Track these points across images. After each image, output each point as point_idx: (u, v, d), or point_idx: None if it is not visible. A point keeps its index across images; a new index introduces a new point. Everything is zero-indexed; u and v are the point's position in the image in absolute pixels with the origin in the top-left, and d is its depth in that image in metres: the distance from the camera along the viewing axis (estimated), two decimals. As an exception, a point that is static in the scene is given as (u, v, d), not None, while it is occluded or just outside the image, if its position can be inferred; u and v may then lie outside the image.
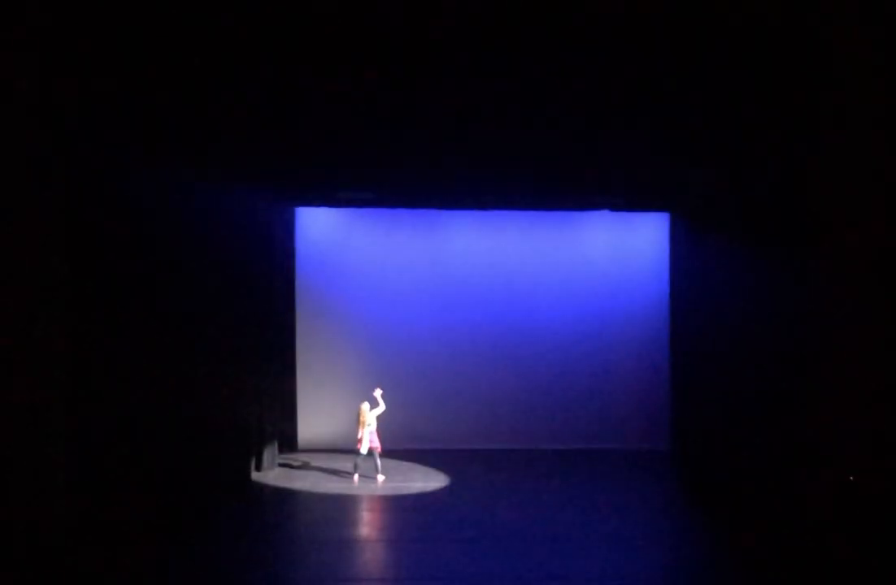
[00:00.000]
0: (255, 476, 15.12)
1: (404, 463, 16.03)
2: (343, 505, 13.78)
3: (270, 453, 15.86)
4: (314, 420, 17.11)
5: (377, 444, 14.89)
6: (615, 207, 15.87)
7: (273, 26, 8.81)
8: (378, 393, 14.97)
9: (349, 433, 15.18)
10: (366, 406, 14.82)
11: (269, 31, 8.89)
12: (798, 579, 9.51)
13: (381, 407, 14.92)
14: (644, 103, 10.22)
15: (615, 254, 17.31)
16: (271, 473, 15.53)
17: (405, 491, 14.26)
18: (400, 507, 13.50)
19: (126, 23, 8.32)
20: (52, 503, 8.90)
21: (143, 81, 9.15)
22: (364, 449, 14.70)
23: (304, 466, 15.98)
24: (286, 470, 15.79)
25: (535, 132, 11.36)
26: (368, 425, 14.71)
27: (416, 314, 17.27)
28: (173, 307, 12.10)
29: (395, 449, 16.31)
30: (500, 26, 8.79)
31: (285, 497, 14.13)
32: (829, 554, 9.06)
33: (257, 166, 12.78)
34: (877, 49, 8.16)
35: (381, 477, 14.87)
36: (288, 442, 16.99)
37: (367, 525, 13.10)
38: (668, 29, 8.50)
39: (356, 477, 14.86)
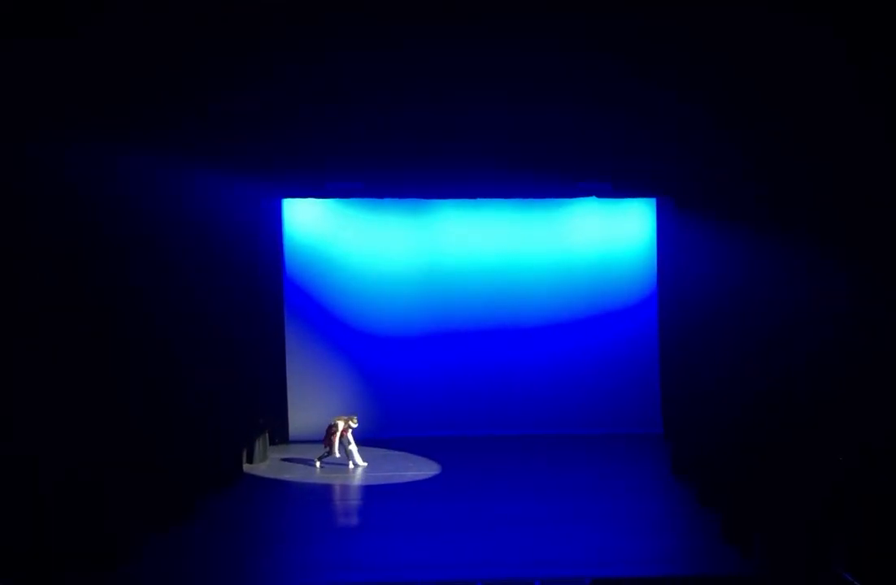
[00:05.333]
0: (246, 468, 15.09)
1: (395, 452, 16.05)
2: (335, 495, 13.83)
3: (262, 445, 15.84)
4: (305, 411, 17.04)
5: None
6: (602, 194, 15.89)
7: (258, 15, 8.78)
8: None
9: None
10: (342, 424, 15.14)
11: (254, 20, 8.86)
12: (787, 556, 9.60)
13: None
14: (632, 87, 10.22)
15: (603, 241, 17.30)
16: (263, 465, 15.51)
17: (397, 480, 14.28)
18: (392, 496, 13.50)
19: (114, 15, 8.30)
20: (39, 494, 8.92)
21: (128, 70, 9.12)
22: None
23: (296, 457, 15.97)
24: (278, 461, 15.77)
25: (523, 118, 11.37)
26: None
27: (405, 303, 17.22)
28: (160, 299, 12.07)
29: (386, 437, 16.38)
30: (481, 9, 8.77)
31: (277, 488, 14.12)
32: (817, 532, 9.14)
33: (242, 157, 12.73)
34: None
35: (318, 466, 15.14)
36: (279, 434, 17.00)
37: (360, 514, 13.09)
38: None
39: (357, 460, 15.01)
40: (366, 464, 15.09)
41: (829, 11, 7.90)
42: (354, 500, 13.80)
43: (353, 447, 15.14)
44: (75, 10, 8.04)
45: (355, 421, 15.25)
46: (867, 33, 7.94)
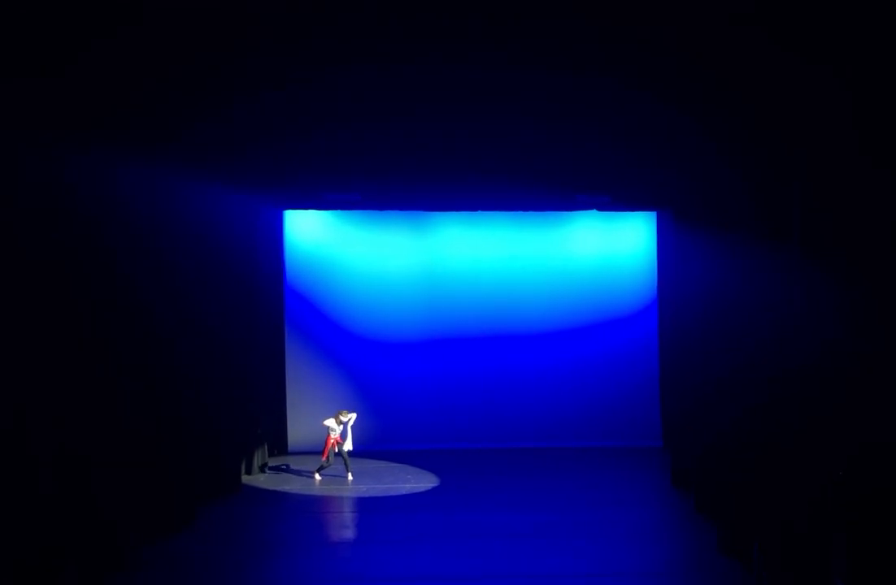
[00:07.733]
0: (245, 479, 15.08)
1: (394, 464, 16.03)
2: (334, 507, 13.79)
3: (260, 456, 15.83)
4: (304, 422, 17.03)
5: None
6: (602, 207, 15.94)
7: (261, 28, 8.83)
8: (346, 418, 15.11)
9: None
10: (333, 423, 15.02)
11: (256, 33, 8.91)
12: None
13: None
14: (629, 101, 10.27)
15: (603, 254, 17.36)
16: (261, 476, 15.51)
17: (395, 492, 14.25)
18: (390, 508, 13.46)
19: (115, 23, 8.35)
20: (39, 506, 8.90)
21: (130, 83, 9.17)
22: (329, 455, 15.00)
23: (295, 469, 15.95)
24: (276, 472, 15.77)
25: (522, 132, 11.41)
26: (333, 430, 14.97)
27: (405, 315, 17.27)
28: (161, 311, 12.08)
29: (385, 449, 16.35)
30: (484, 23, 8.83)
31: (275, 499, 14.09)
32: (816, 544, 9.12)
33: (243, 169, 12.78)
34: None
35: (317, 478, 15.11)
36: (278, 445, 16.99)
37: (358, 526, 13.05)
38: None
39: (330, 458, 15.00)
40: (330, 465, 15.04)
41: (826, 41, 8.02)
42: (353, 512, 13.75)
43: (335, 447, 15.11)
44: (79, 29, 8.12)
45: (346, 414, 15.07)
46: (861, 59, 8.03)
